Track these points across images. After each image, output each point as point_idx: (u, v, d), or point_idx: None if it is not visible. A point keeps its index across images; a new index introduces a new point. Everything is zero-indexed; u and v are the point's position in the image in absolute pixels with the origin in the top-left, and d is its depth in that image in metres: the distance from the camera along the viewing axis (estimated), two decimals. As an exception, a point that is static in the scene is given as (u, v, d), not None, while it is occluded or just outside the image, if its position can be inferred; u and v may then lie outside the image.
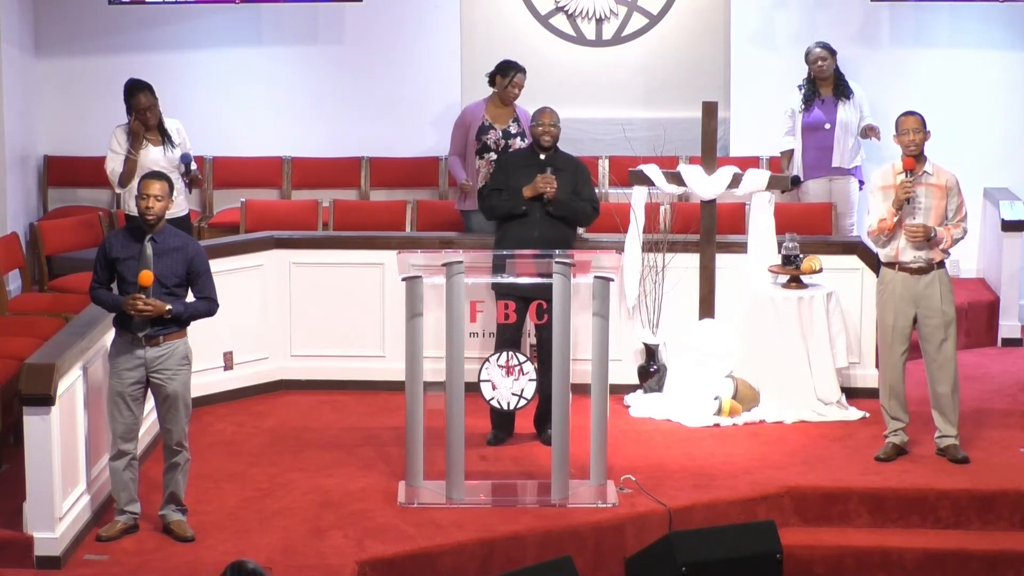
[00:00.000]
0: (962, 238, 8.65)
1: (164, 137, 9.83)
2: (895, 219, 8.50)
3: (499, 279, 8.35)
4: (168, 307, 7.51)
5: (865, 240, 10.24)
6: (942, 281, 8.59)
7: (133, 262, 7.54)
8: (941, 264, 8.60)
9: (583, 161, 9.39)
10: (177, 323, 7.63)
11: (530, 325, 8.95)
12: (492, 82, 10.61)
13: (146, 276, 7.46)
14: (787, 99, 11.17)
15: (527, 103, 10.63)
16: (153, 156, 9.73)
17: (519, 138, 10.42)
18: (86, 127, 11.95)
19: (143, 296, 7.46)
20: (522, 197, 8.94)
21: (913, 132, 8.48)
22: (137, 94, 9.76)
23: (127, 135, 9.78)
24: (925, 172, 8.53)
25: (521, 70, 10.58)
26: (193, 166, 9.88)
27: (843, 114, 11.00)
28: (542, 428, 8.90)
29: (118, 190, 9.87)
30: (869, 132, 10.98)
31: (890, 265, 8.63)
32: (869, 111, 11.11)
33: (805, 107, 11.07)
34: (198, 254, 7.69)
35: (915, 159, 8.49)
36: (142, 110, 9.74)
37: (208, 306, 7.75)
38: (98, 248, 7.72)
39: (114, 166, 9.74)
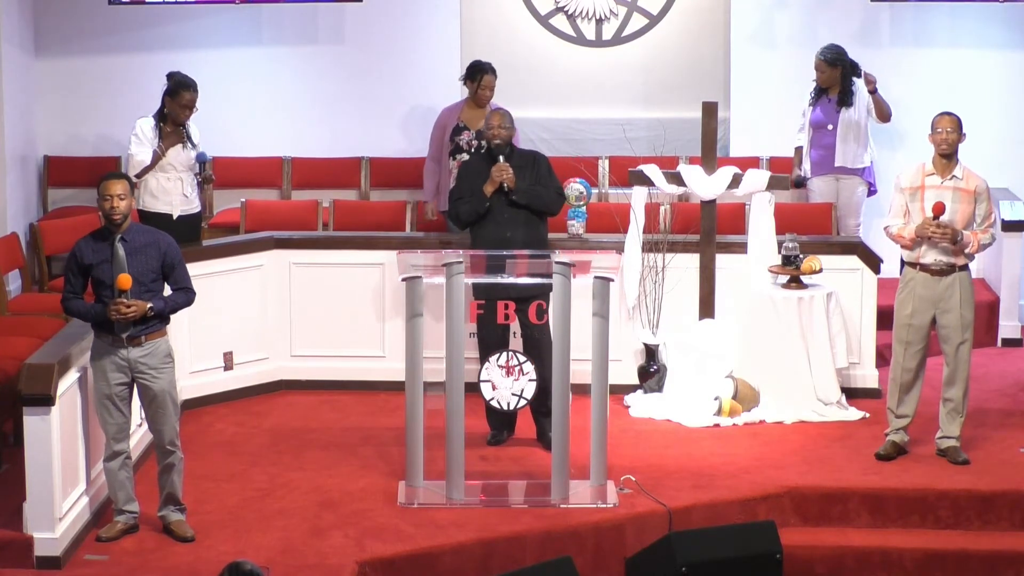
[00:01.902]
0: (990, 244, 8.65)
1: (186, 136, 9.82)
2: (912, 239, 8.51)
3: (496, 280, 8.34)
4: (149, 305, 7.49)
5: (869, 243, 10.26)
6: (963, 284, 8.57)
7: (107, 265, 7.50)
8: (964, 267, 8.59)
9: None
10: (159, 319, 7.62)
11: (515, 325, 8.92)
12: (467, 84, 10.68)
13: (124, 279, 7.40)
14: (803, 96, 11.14)
15: (525, 103, 10.67)
16: (173, 153, 9.73)
17: None
18: (86, 127, 11.96)
19: (124, 300, 7.44)
20: (483, 196, 8.92)
21: (948, 132, 8.47)
22: (184, 91, 9.71)
23: (155, 129, 9.74)
24: (954, 176, 8.52)
25: (489, 71, 10.60)
26: (208, 170, 9.91)
27: (846, 115, 10.98)
28: (541, 426, 8.88)
29: (133, 178, 9.83)
30: (867, 82, 10.98)
31: (912, 265, 8.62)
32: (870, 105, 11.13)
33: (813, 104, 11.07)
34: (170, 246, 7.66)
35: (947, 159, 8.47)
36: (184, 106, 9.72)
37: (187, 296, 7.73)
38: (68, 258, 7.64)
39: (141, 156, 9.68)
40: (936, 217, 8.42)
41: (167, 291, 7.71)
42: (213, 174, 10.12)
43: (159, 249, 7.60)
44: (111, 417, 7.62)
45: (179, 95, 9.73)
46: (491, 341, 8.72)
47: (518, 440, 9.02)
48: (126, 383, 7.60)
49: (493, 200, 8.92)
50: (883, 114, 11.08)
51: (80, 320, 7.76)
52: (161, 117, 9.78)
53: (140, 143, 9.74)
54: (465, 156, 10.43)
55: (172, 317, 7.82)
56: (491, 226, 8.93)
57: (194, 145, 9.86)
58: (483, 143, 10.42)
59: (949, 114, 8.56)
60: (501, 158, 8.92)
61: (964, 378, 8.64)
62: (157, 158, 9.67)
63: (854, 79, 10.98)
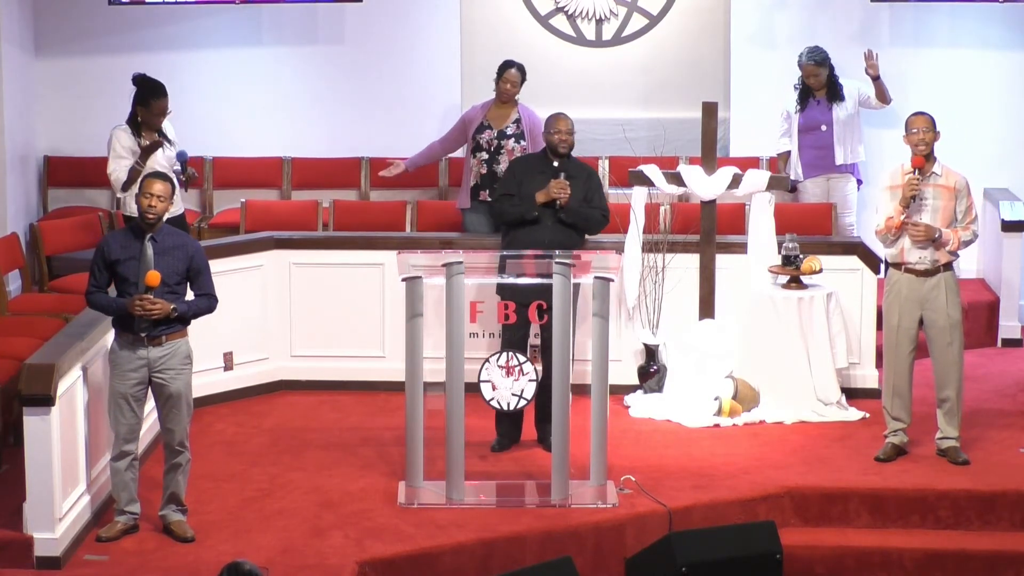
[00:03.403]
0: (972, 241, 8.64)
1: (162, 136, 9.81)
2: (902, 217, 8.49)
3: (502, 280, 8.34)
4: (173, 307, 7.51)
5: (864, 239, 10.26)
6: (948, 284, 8.58)
7: (134, 262, 7.54)
8: (948, 266, 8.59)
9: (591, 167, 9.42)
10: (181, 322, 7.63)
11: (535, 326, 8.92)
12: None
13: (153, 276, 7.44)
14: (783, 101, 11.18)
15: (525, 103, 10.65)
16: (153, 157, 9.71)
17: (514, 139, 10.44)
18: (86, 127, 11.94)
19: (150, 296, 7.46)
20: (534, 203, 8.92)
21: (923, 131, 8.48)
22: (155, 99, 9.64)
23: (132, 138, 9.72)
24: (934, 173, 8.52)
25: (513, 66, 10.60)
26: (189, 168, 9.87)
27: (838, 112, 11.04)
28: (543, 430, 8.88)
29: (119, 194, 9.85)
30: (870, 66, 11.01)
31: (896, 266, 8.62)
32: (864, 96, 11.14)
33: (801, 108, 11.10)
34: (197, 251, 7.70)
35: (924, 159, 8.49)
36: (159, 114, 9.69)
37: (209, 303, 7.76)
38: (95, 251, 7.67)
39: (119, 174, 9.65)
40: (915, 170, 8.42)
41: (189, 295, 7.72)
42: (195, 172, 10.07)
43: (187, 252, 7.63)
44: (124, 417, 7.63)
45: (151, 105, 9.66)
46: (514, 342, 8.69)
47: (519, 442, 9.01)
48: (143, 383, 7.62)
49: (541, 209, 8.92)
50: (885, 97, 11.11)
51: (102, 314, 7.79)
52: (135, 123, 9.73)
53: (118, 157, 9.68)
54: (485, 155, 10.44)
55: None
56: (531, 231, 8.93)
57: (172, 144, 9.83)
58: (503, 143, 10.44)
59: (922, 114, 8.59)
60: (563, 175, 8.90)
61: (957, 377, 8.64)
62: (136, 174, 9.60)
63: (836, 74, 11.07)
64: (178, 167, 9.83)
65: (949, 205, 8.52)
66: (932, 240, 8.46)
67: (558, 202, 8.91)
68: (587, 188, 9.04)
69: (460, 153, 11.06)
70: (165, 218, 9.61)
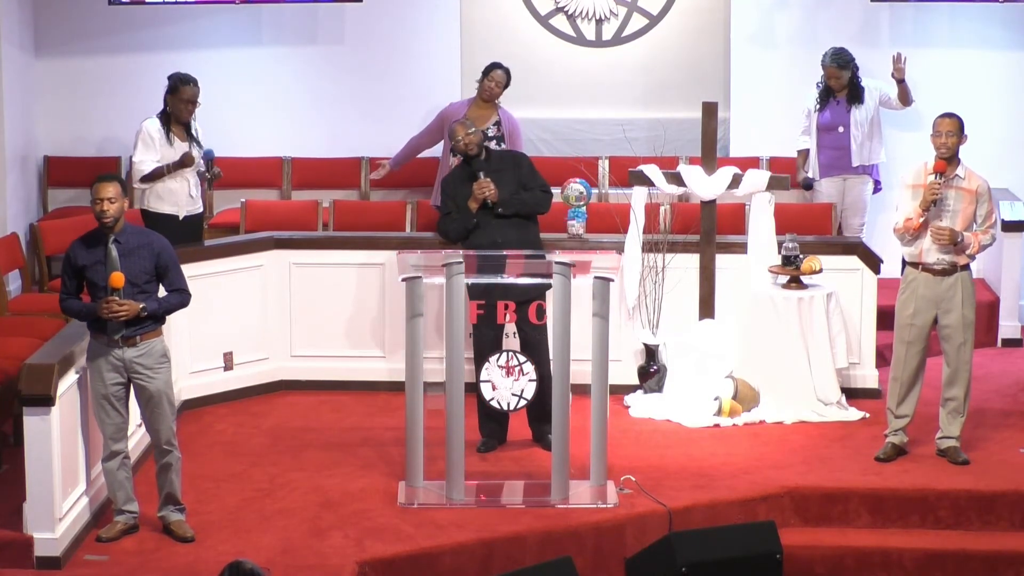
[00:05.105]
0: (990, 244, 8.63)
1: (190, 135, 9.83)
2: (921, 219, 8.47)
3: (492, 280, 8.33)
4: (142, 306, 7.49)
5: (876, 242, 10.25)
6: (964, 284, 8.55)
7: (100, 266, 7.50)
8: (966, 267, 8.57)
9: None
10: (153, 320, 7.62)
11: (510, 325, 8.89)
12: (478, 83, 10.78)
13: (117, 278, 7.41)
14: (805, 97, 11.14)
15: (525, 105, 10.68)
16: (181, 153, 9.74)
17: (496, 141, 10.48)
18: (86, 127, 11.96)
19: (116, 298, 7.43)
20: (470, 211, 8.91)
21: (947, 135, 8.41)
22: (184, 86, 9.71)
23: (160, 130, 9.72)
24: (957, 176, 8.48)
25: (500, 67, 10.67)
26: (215, 167, 9.92)
27: (857, 115, 10.99)
28: (538, 430, 8.88)
29: (135, 185, 9.86)
30: (897, 70, 10.97)
31: (914, 265, 8.61)
32: (886, 97, 11.12)
33: (820, 108, 11.07)
34: (164, 248, 7.65)
35: (947, 162, 8.44)
36: (187, 101, 9.71)
37: (181, 298, 7.72)
38: (63, 258, 7.66)
39: (144, 165, 9.69)
40: (937, 175, 8.40)
41: (162, 292, 7.71)
42: (220, 171, 10.10)
43: (152, 250, 7.59)
44: (108, 417, 7.62)
45: (180, 91, 9.73)
46: (485, 342, 8.69)
47: (517, 442, 9.01)
48: (122, 383, 7.61)
49: (480, 213, 8.91)
50: (907, 99, 11.08)
51: (77, 320, 7.77)
52: (165, 119, 9.77)
53: (147, 148, 9.70)
54: None
55: (171, 317, 7.83)
56: (481, 234, 8.91)
57: (200, 145, 9.86)
58: (485, 143, 10.45)
59: (951, 116, 8.49)
60: (482, 174, 8.90)
61: (966, 378, 8.64)
62: (160, 174, 9.66)
63: (860, 76, 11.03)
64: (202, 166, 9.87)
65: (969, 208, 8.49)
66: (954, 244, 8.44)
67: (489, 201, 8.90)
68: (518, 175, 9.01)
69: (436, 152, 11.09)
70: (182, 216, 9.75)
